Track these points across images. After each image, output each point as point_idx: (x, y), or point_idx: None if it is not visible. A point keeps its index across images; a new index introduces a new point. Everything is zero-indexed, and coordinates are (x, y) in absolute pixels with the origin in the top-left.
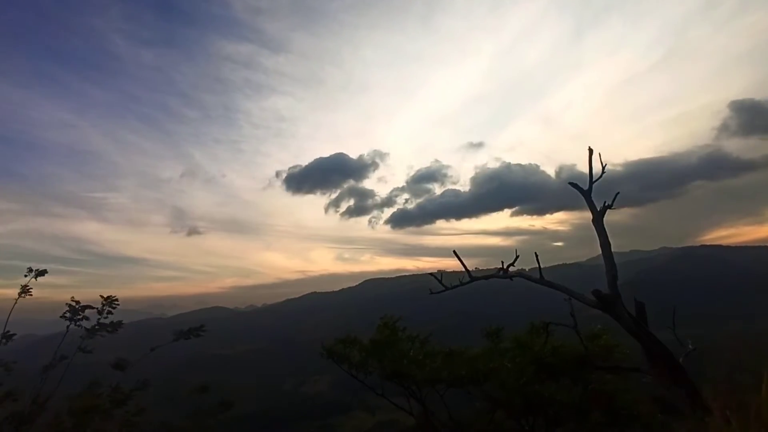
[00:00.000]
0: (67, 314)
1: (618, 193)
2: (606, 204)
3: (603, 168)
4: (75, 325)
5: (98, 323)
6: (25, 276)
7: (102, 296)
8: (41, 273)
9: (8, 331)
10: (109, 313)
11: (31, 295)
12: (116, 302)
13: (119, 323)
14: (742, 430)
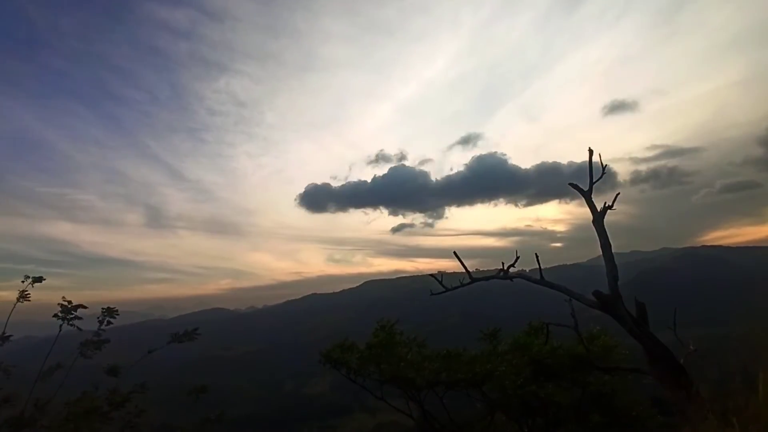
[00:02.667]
0: (59, 314)
1: (618, 193)
2: (606, 205)
3: (603, 168)
4: (68, 324)
5: (96, 334)
6: (23, 282)
7: (103, 308)
8: (38, 279)
9: (4, 333)
10: (109, 323)
11: (29, 300)
12: (116, 313)
13: (106, 340)
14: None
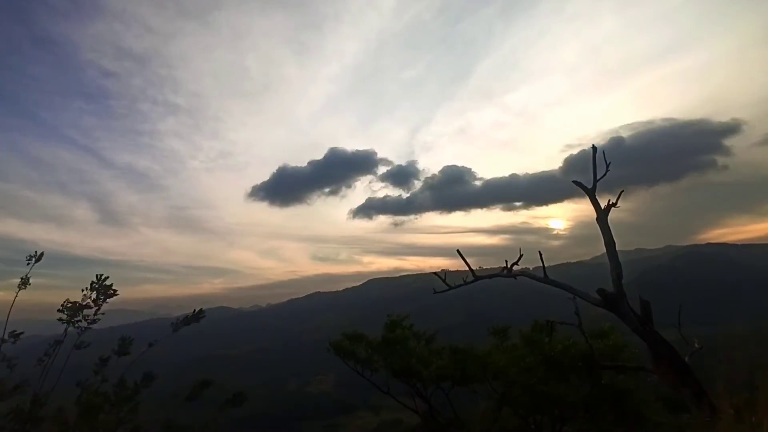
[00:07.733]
0: (65, 315)
1: (623, 191)
2: (611, 202)
3: (607, 166)
4: (73, 327)
5: (94, 314)
6: (27, 264)
7: (96, 275)
8: (38, 258)
9: (15, 330)
10: (105, 301)
11: (29, 284)
12: (115, 291)
13: (95, 319)
14: (747, 430)
